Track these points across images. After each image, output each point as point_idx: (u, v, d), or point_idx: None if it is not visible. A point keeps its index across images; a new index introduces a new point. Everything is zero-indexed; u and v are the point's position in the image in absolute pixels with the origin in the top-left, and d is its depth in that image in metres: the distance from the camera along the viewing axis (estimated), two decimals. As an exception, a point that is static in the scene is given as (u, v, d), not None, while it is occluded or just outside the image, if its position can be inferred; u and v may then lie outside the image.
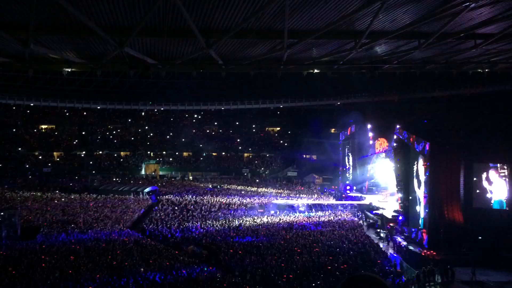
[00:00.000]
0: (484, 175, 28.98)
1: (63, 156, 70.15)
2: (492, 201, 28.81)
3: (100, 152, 71.88)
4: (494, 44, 14.39)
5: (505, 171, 28.64)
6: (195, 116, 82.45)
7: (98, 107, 72.23)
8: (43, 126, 75.35)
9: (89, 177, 58.86)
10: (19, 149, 68.04)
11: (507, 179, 28.55)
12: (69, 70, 16.59)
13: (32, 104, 67.58)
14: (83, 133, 75.67)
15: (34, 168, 65.08)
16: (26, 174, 62.23)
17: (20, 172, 62.48)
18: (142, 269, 21.35)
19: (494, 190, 28.67)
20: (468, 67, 18.46)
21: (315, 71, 17.56)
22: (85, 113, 77.70)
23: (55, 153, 70.24)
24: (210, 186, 56.82)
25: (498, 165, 28.79)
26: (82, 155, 70.60)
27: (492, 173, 28.84)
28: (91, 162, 68.80)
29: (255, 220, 35.27)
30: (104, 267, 21.55)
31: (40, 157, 68.28)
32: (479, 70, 19.39)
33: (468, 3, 10.59)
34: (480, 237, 27.19)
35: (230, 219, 35.49)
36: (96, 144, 73.13)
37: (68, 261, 22.30)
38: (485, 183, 28.81)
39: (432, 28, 12.72)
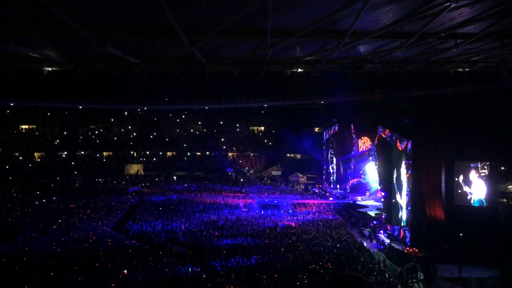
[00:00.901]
0: (461, 178, 29.39)
1: (44, 156, 69.03)
2: (472, 201, 29.28)
3: (82, 153, 70.98)
4: (474, 44, 14.62)
5: (486, 170, 29.13)
6: (179, 115, 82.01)
7: (80, 107, 71.25)
8: (24, 126, 74.07)
9: (71, 178, 58.03)
10: (-1, 149, 66.78)
11: (486, 179, 29.05)
12: (50, 69, 16.31)
13: (12, 104, 66.31)
14: (65, 133, 74.60)
15: (14, 169, 63.91)
16: (6, 175, 61.07)
17: (0, 173, 61.26)
18: (125, 270, 21.14)
19: (473, 191, 29.14)
20: (448, 66, 18.72)
21: (299, 70, 17.59)
22: (66, 113, 76.58)
23: (36, 153, 69.12)
24: (195, 185, 56.76)
25: (479, 164, 29.24)
26: (64, 156, 69.59)
27: (472, 173, 29.29)
28: (73, 163, 67.82)
29: (239, 220, 35.22)
30: (87, 268, 21.27)
31: (21, 158, 67.08)
32: (460, 70, 19.66)
33: (448, 3, 10.73)
34: (461, 234, 27.68)
35: (215, 219, 35.39)
36: (78, 144, 72.14)
37: (50, 263, 21.96)
38: (465, 188, 29.26)
39: (414, 27, 12.86)
